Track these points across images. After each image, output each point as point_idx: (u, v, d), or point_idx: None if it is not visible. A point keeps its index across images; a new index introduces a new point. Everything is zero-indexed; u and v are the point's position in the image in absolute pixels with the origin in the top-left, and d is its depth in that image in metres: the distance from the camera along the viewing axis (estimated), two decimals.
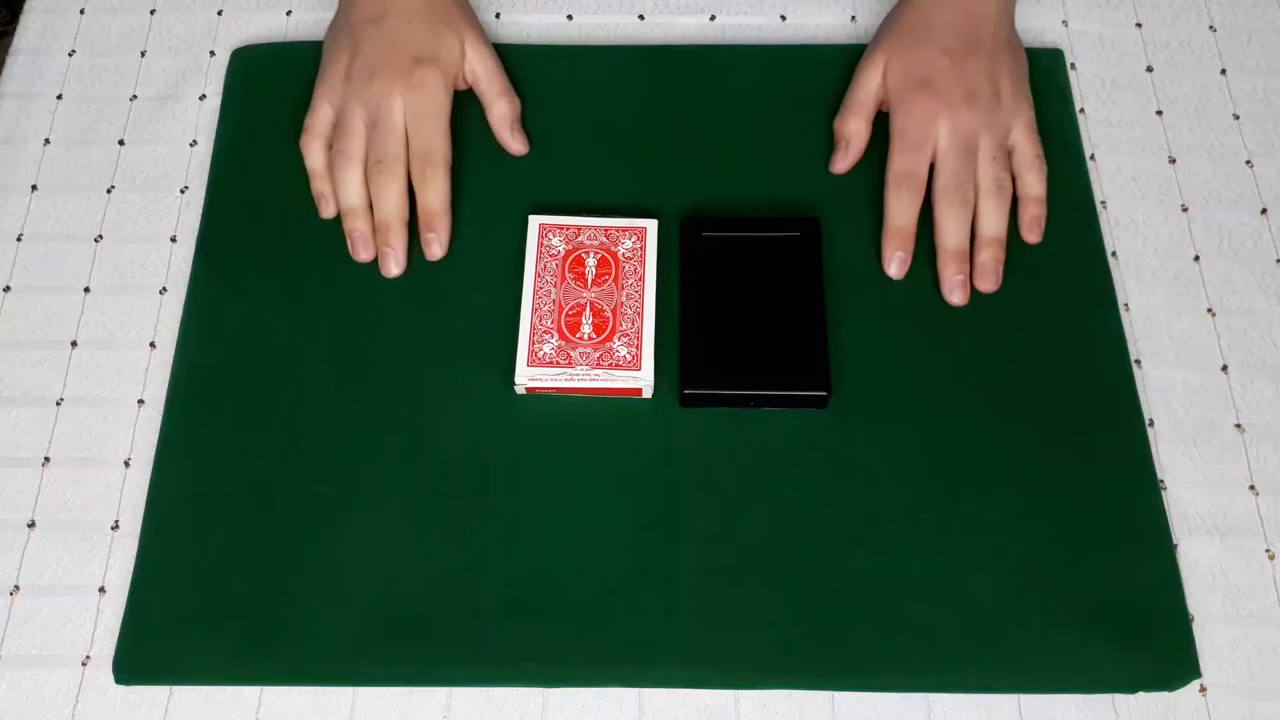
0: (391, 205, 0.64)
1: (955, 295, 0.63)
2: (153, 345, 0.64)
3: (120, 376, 0.63)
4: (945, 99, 0.64)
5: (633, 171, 0.67)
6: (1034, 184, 0.65)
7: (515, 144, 0.68)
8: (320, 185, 0.66)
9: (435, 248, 0.65)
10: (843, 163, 0.67)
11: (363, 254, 0.64)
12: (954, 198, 0.63)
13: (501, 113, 0.68)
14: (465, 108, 0.68)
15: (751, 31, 0.73)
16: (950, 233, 0.63)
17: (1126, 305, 0.64)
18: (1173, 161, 0.68)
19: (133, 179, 0.69)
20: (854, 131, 0.67)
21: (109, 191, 0.69)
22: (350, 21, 0.67)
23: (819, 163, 0.67)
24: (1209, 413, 0.61)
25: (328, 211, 0.66)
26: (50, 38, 0.74)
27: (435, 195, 0.65)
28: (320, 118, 0.66)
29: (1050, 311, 0.63)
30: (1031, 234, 0.64)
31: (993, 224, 0.63)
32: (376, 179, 0.64)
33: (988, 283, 0.63)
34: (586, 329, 0.61)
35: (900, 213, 0.64)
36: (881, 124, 0.67)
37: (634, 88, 0.70)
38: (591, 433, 0.60)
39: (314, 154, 0.66)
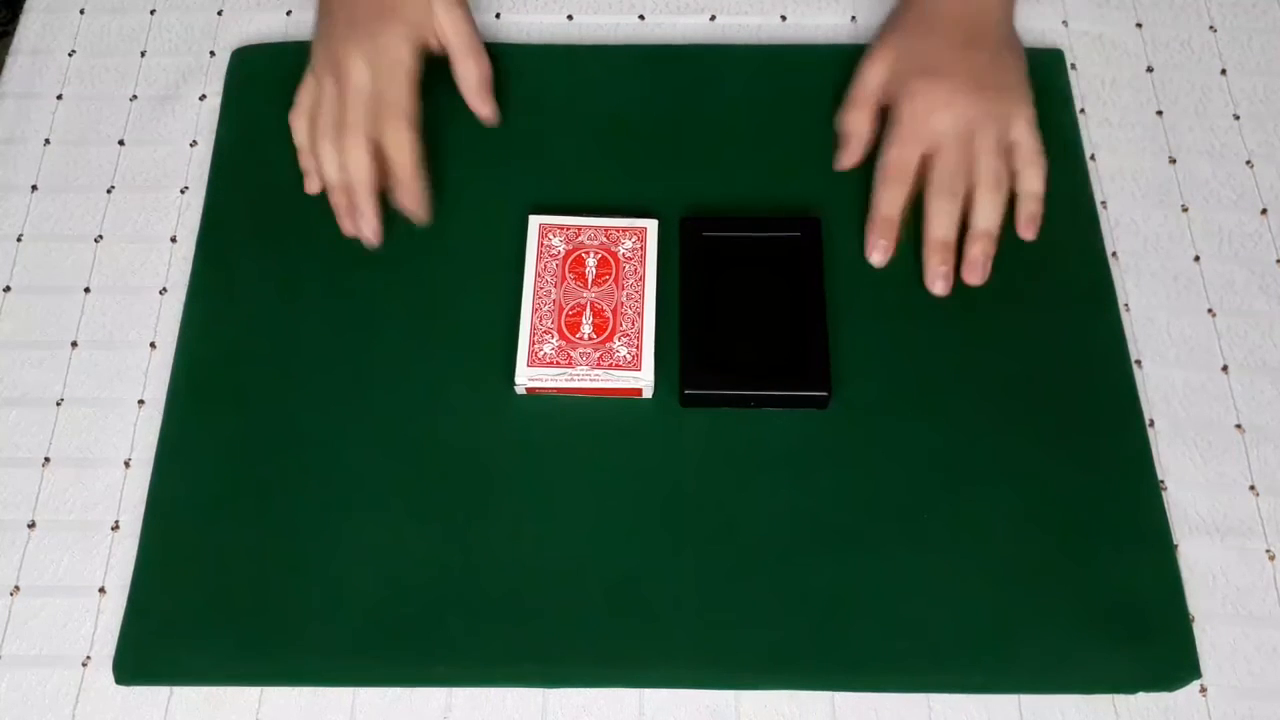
0: (355, 167, 0.62)
1: (938, 286, 0.62)
2: (153, 345, 0.64)
3: (120, 376, 0.63)
4: (950, 88, 0.63)
5: (632, 171, 0.67)
6: (1033, 180, 0.65)
7: (485, 109, 0.66)
8: (304, 160, 0.66)
9: (407, 201, 0.62)
10: (848, 158, 0.66)
11: (348, 226, 0.64)
12: (946, 189, 0.63)
13: (468, 73, 0.66)
14: (465, 106, 0.68)
15: (751, 31, 0.73)
16: (938, 224, 0.63)
17: (1126, 305, 0.64)
18: (1173, 161, 0.68)
19: (133, 179, 0.69)
20: (858, 126, 0.66)
21: (109, 191, 0.68)
22: None
23: (819, 163, 0.67)
24: (1209, 413, 0.61)
25: (312, 187, 0.65)
26: (50, 38, 0.74)
27: (399, 148, 0.62)
28: (305, 92, 0.66)
29: (1050, 311, 0.63)
30: (1028, 231, 0.64)
31: (986, 217, 0.63)
32: (340, 142, 0.62)
33: (974, 276, 0.63)
34: (587, 329, 0.61)
35: (886, 202, 0.63)
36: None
37: (634, 88, 0.70)
38: (591, 433, 0.60)
39: (298, 129, 0.66)
